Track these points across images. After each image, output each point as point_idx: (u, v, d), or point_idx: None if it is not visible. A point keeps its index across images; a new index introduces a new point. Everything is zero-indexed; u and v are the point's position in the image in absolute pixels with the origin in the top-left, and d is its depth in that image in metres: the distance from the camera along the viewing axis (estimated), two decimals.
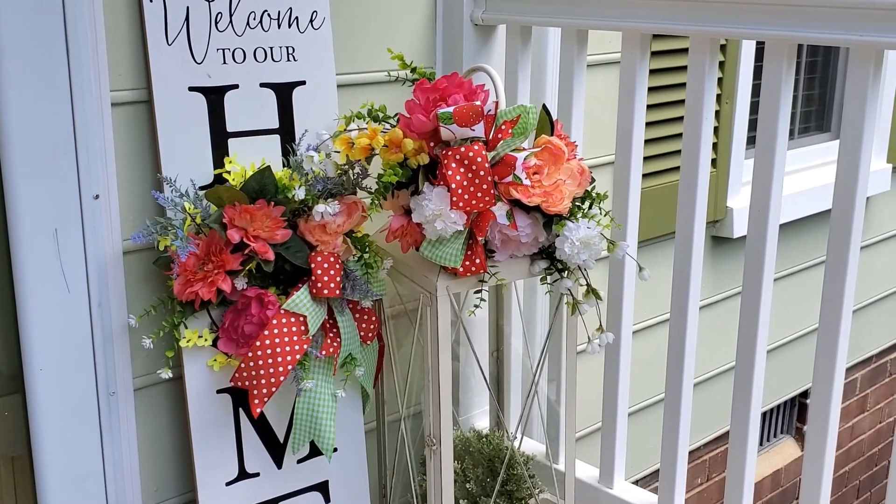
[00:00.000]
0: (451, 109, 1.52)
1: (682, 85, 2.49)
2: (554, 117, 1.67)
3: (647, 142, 1.85)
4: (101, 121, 1.53)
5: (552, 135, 1.63)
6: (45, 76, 1.46)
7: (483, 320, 2.16)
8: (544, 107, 1.65)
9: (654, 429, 2.55)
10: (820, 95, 3.54)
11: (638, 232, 1.84)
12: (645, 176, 1.87)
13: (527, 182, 1.57)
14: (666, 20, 1.64)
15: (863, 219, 1.51)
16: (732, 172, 2.78)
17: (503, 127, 1.58)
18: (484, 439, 1.97)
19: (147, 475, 1.71)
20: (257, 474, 1.74)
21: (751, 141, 2.93)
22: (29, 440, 1.59)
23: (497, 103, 1.60)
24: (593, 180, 1.65)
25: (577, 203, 1.63)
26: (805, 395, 3.68)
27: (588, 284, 1.68)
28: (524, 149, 1.60)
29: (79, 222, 1.53)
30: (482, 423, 2.22)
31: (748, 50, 2.73)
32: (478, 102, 1.55)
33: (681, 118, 2.51)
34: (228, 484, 1.71)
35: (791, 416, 3.79)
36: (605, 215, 1.65)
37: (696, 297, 1.76)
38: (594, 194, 1.65)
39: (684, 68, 2.47)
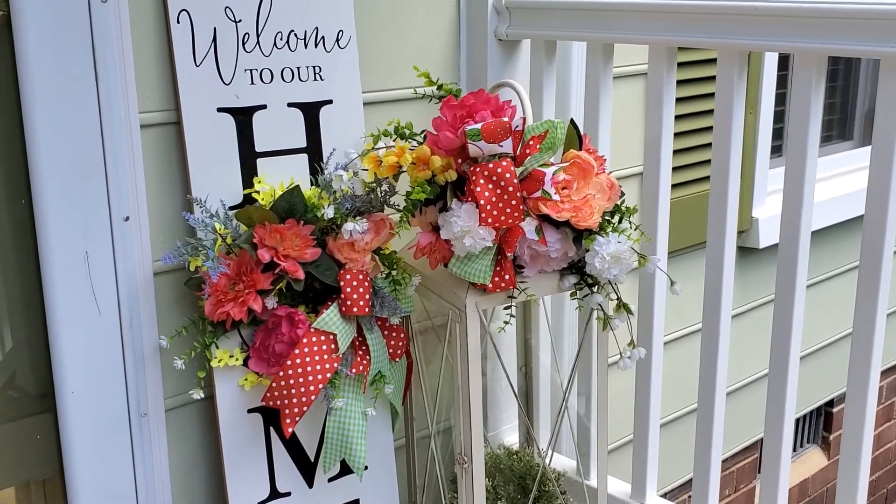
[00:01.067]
0: (478, 126, 1.52)
1: (706, 95, 2.50)
2: (581, 131, 1.67)
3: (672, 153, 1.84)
4: (130, 142, 1.53)
5: (580, 149, 1.62)
6: (74, 99, 1.47)
7: (510, 335, 2.15)
8: (572, 121, 1.65)
9: (682, 440, 2.54)
10: (842, 104, 3.52)
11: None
12: (672, 187, 1.86)
13: (556, 197, 1.56)
14: (693, 33, 1.63)
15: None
16: (757, 183, 2.77)
17: (531, 142, 1.58)
18: (514, 456, 1.96)
19: (179, 496, 1.71)
20: (289, 494, 1.73)
21: (774, 150, 2.92)
22: (61, 462, 1.59)
23: (524, 119, 1.60)
24: (623, 194, 1.64)
25: (607, 217, 1.62)
26: (831, 404, 3.65)
27: (619, 299, 1.67)
28: (552, 164, 1.60)
29: (109, 244, 1.54)
30: (511, 438, 2.20)
31: (771, 60, 2.72)
32: (505, 118, 1.55)
33: (705, 128, 2.52)
34: None
35: (817, 425, 3.76)
36: (635, 229, 1.64)
37: (728, 308, 1.75)
38: (624, 208, 1.64)
39: (708, 79, 2.49)
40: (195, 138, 1.59)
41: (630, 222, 1.64)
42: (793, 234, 1.60)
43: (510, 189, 1.52)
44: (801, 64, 1.53)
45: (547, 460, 1.91)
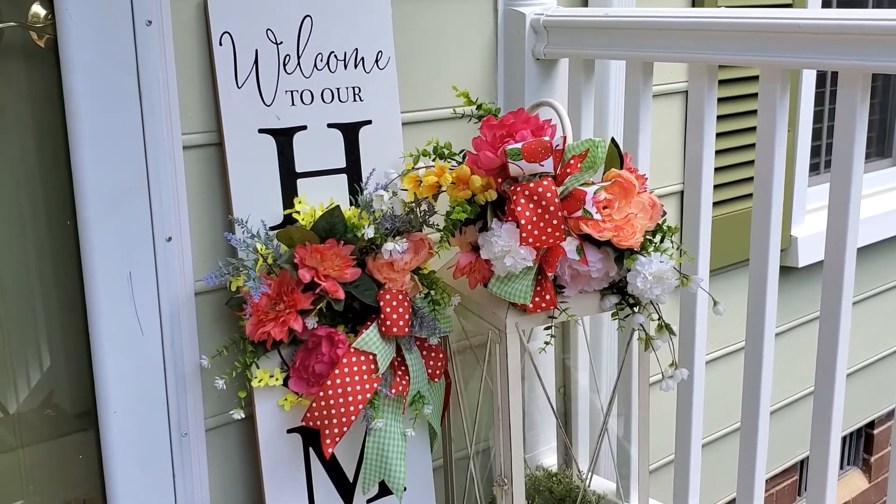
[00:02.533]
0: (519, 145, 1.51)
1: (746, 113, 2.48)
2: (621, 150, 1.66)
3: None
4: (172, 164, 1.55)
5: (621, 168, 1.61)
6: (118, 120, 1.49)
7: (549, 356, 2.14)
8: (613, 140, 1.64)
9: (722, 460, 2.51)
10: (880, 121, 3.48)
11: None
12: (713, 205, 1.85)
13: (597, 216, 1.55)
14: (734, 51, 1.62)
15: None
16: (796, 201, 2.74)
17: (571, 161, 1.57)
18: (553, 478, 1.95)
19: None
20: None
21: (813, 168, 2.89)
22: (102, 481, 1.60)
23: (565, 138, 1.60)
24: (664, 213, 1.63)
25: (649, 237, 1.61)
26: (871, 425, 3.59)
27: (661, 319, 1.66)
28: (593, 183, 1.59)
29: (152, 264, 1.55)
30: (549, 460, 2.19)
31: (809, 77, 2.70)
32: (546, 137, 1.55)
33: (745, 146, 2.50)
34: None
35: (858, 447, 3.69)
36: (676, 249, 1.63)
37: (772, 327, 1.72)
38: (666, 227, 1.63)
39: (748, 96, 2.47)
40: (237, 159, 1.60)
41: (672, 241, 1.63)
42: (838, 252, 1.58)
43: (551, 208, 1.52)
44: (846, 81, 1.51)
45: (587, 482, 1.89)
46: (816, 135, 2.91)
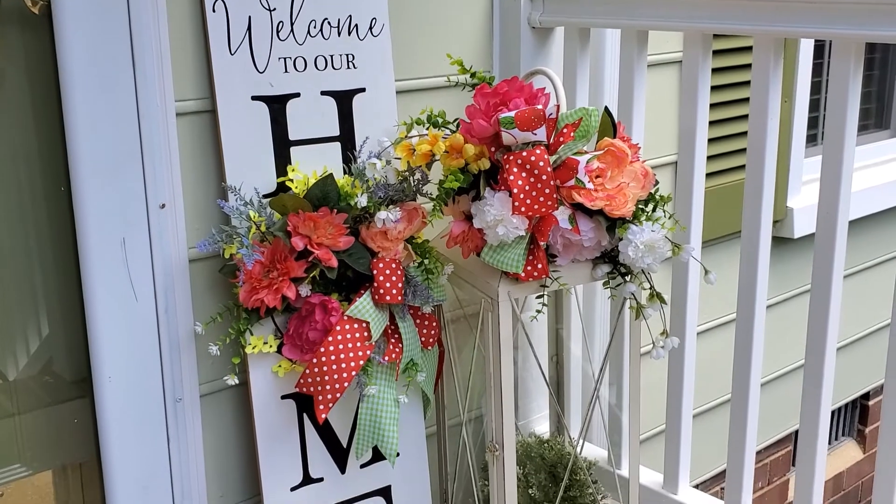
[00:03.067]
0: (512, 114, 1.51)
1: (740, 84, 2.48)
2: (615, 119, 1.66)
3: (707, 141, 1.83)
4: (166, 130, 1.55)
5: (615, 137, 1.61)
6: (111, 87, 1.49)
7: (542, 325, 2.15)
8: (606, 109, 1.64)
9: (714, 430, 2.53)
10: (878, 93, 3.47)
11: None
12: (706, 176, 1.85)
13: (589, 185, 1.56)
14: (729, 20, 1.62)
15: None
16: (792, 172, 2.74)
17: (565, 130, 1.57)
18: (545, 444, 1.96)
19: (213, 480, 1.73)
20: (321, 479, 1.75)
21: (809, 139, 2.88)
22: (97, 446, 1.61)
23: (558, 106, 1.59)
24: (657, 182, 1.63)
25: (641, 206, 1.61)
26: (867, 396, 3.61)
27: (652, 288, 1.66)
28: (586, 152, 1.59)
29: (146, 231, 1.56)
30: (541, 427, 2.20)
31: (806, 47, 2.69)
32: (539, 106, 1.54)
33: (739, 117, 2.50)
34: (293, 489, 1.72)
35: (853, 418, 3.72)
36: (669, 218, 1.63)
37: (763, 299, 1.73)
38: (658, 196, 1.63)
39: (743, 67, 2.47)
40: (230, 126, 1.60)
41: (664, 211, 1.63)
42: (830, 225, 1.58)
43: (544, 177, 1.52)
44: (839, 51, 1.51)
45: (578, 449, 1.90)
46: (814, 106, 2.91)
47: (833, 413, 3.58)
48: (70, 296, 1.59)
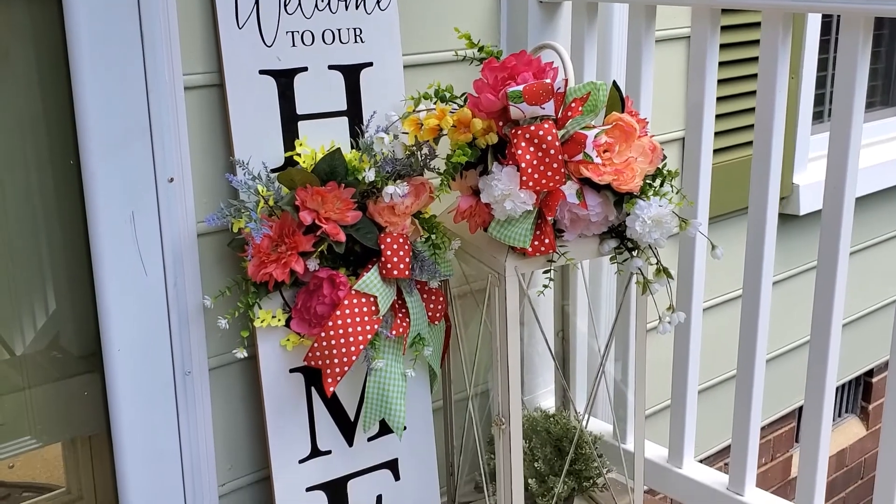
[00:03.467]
0: (520, 88, 1.51)
1: (748, 60, 2.47)
2: (623, 93, 1.66)
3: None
4: (174, 104, 1.55)
5: (623, 112, 1.61)
6: (120, 61, 1.49)
7: (548, 302, 2.16)
8: (615, 83, 1.64)
9: (719, 405, 2.54)
10: (885, 69, 3.46)
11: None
12: (713, 152, 1.85)
13: (597, 160, 1.56)
14: None
15: None
16: (798, 149, 2.74)
17: (573, 105, 1.57)
18: (551, 419, 1.97)
19: (222, 453, 1.75)
20: (329, 452, 1.76)
21: (816, 116, 2.87)
22: (107, 419, 1.62)
23: (566, 81, 1.59)
24: (665, 157, 1.63)
25: (648, 181, 1.61)
26: (870, 373, 3.62)
27: (659, 263, 1.67)
28: (594, 126, 1.59)
29: (154, 205, 1.56)
30: (547, 402, 2.22)
31: (814, 23, 2.68)
32: (547, 80, 1.54)
33: (746, 93, 2.49)
34: (301, 461, 1.73)
35: (856, 395, 3.73)
36: (676, 193, 1.63)
37: (769, 275, 1.74)
38: (665, 171, 1.63)
39: (751, 43, 2.46)
40: (237, 100, 1.60)
41: (672, 186, 1.63)
42: (836, 201, 1.58)
43: (552, 152, 1.52)
44: (847, 26, 1.50)
45: (583, 423, 1.92)
46: (821, 83, 2.90)
47: (836, 390, 3.57)
48: (79, 270, 1.60)
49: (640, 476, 1.88)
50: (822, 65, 2.85)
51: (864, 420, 3.74)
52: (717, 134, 1.85)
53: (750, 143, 1.74)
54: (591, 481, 1.91)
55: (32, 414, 1.66)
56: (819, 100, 2.90)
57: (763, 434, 3.15)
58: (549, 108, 1.53)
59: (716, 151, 1.85)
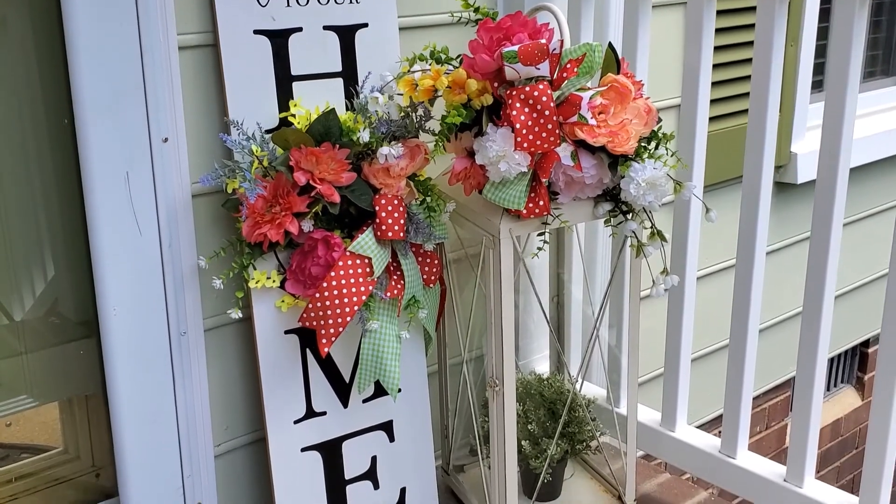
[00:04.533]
0: (516, 48, 1.51)
1: (746, 27, 2.45)
2: (619, 55, 1.65)
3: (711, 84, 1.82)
4: (168, 64, 1.54)
5: (618, 73, 1.61)
6: (113, 20, 1.48)
7: (543, 268, 2.16)
8: (610, 45, 1.63)
9: (712, 374, 2.55)
10: (886, 39, 3.44)
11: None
12: (709, 119, 1.84)
13: (592, 122, 1.55)
14: None
15: None
16: (797, 117, 2.73)
17: (568, 66, 1.57)
18: (545, 382, 1.98)
19: (217, 413, 1.76)
20: (324, 413, 1.77)
21: (816, 85, 2.86)
22: (104, 379, 1.63)
23: (562, 42, 1.58)
24: (660, 120, 1.63)
25: (644, 143, 1.61)
26: (867, 344, 3.63)
27: (653, 226, 1.67)
28: (589, 88, 1.59)
29: (149, 165, 1.56)
30: (541, 367, 2.23)
31: None
32: (543, 41, 1.54)
33: (744, 61, 2.48)
34: (296, 422, 1.74)
35: (852, 365, 3.74)
36: (671, 155, 1.63)
37: (763, 244, 1.74)
38: (661, 134, 1.63)
39: (748, 9, 2.44)
40: (232, 60, 1.59)
41: (667, 148, 1.63)
42: (831, 170, 1.58)
43: (546, 113, 1.52)
44: None
45: (577, 387, 1.92)
46: (821, 52, 2.88)
47: (832, 360, 3.60)
48: (74, 231, 1.60)
49: (632, 438, 1.89)
50: (823, 33, 2.83)
51: (859, 390, 3.76)
52: (713, 101, 1.85)
53: (745, 111, 1.73)
54: (584, 444, 1.92)
55: (30, 375, 1.66)
56: (819, 69, 2.89)
57: (757, 403, 3.16)
58: (544, 68, 1.52)
59: (712, 119, 1.85)
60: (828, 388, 3.69)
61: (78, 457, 1.74)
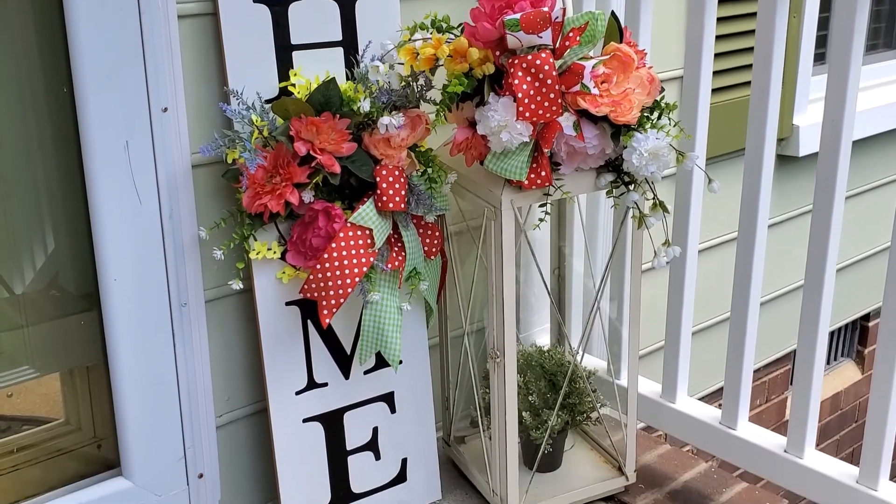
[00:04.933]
0: (518, 16, 1.49)
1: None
2: (622, 24, 1.64)
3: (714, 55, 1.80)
4: (167, 33, 1.53)
5: (621, 42, 1.59)
6: None
7: (544, 241, 2.16)
8: (613, 14, 1.62)
9: (714, 347, 2.55)
10: (889, 11, 3.42)
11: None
12: (712, 91, 1.83)
13: (595, 91, 1.54)
14: None
15: None
16: (799, 89, 2.71)
17: (571, 34, 1.55)
18: (546, 354, 1.98)
19: (219, 384, 1.76)
20: (325, 384, 1.77)
21: (818, 58, 2.85)
22: (105, 350, 1.63)
23: (564, 10, 1.57)
24: (663, 89, 1.61)
25: (646, 113, 1.60)
26: (867, 318, 3.63)
27: (655, 197, 1.66)
28: (592, 57, 1.58)
29: (149, 135, 1.55)
30: (542, 340, 2.23)
31: None
32: (545, 9, 1.52)
33: (747, 32, 2.46)
34: (298, 393, 1.74)
35: (852, 339, 3.75)
36: (674, 126, 1.62)
37: (765, 216, 1.74)
38: (663, 104, 1.62)
39: None
40: (231, 29, 1.58)
41: (669, 118, 1.62)
42: (833, 144, 1.57)
43: (549, 82, 1.51)
44: None
45: (578, 358, 1.93)
46: (824, 24, 2.86)
47: (833, 333, 3.60)
48: (74, 203, 1.59)
49: (633, 410, 1.90)
50: (826, 5, 2.81)
51: (859, 364, 3.77)
52: (715, 73, 1.83)
53: (747, 83, 1.72)
54: (585, 415, 1.92)
55: (31, 347, 1.66)
56: (822, 41, 2.87)
57: (758, 376, 3.17)
58: (546, 37, 1.51)
59: (714, 91, 1.83)
60: (828, 362, 3.70)
61: (79, 428, 1.74)
